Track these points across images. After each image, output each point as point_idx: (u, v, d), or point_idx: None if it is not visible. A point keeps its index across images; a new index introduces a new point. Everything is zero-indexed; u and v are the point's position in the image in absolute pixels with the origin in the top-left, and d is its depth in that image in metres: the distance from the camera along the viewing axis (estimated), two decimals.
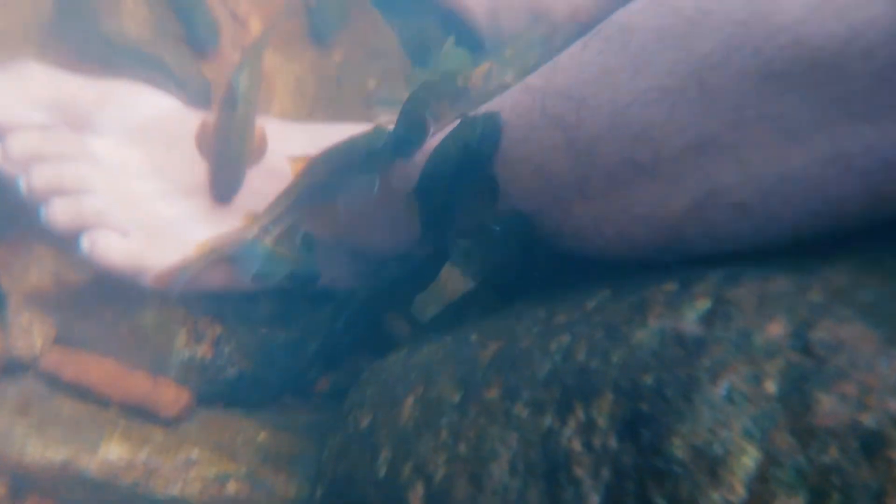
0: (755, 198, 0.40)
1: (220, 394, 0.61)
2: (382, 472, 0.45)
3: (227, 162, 0.59)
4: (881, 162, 0.37)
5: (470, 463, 0.41)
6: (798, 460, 0.30)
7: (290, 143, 0.59)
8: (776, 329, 0.34)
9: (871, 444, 0.29)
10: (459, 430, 0.42)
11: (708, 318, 0.37)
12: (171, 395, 0.59)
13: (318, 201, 0.57)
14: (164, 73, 0.63)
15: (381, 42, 0.74)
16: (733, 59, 0.39)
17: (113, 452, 0.56)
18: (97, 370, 0.59)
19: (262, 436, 0.59)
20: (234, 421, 0.60)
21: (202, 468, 0.56)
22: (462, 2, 0.82)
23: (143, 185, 0.59)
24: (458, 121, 0.51)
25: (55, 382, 0.59)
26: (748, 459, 0.31)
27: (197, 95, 0.63)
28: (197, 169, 0.60)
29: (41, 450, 0.55)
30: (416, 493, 0.42)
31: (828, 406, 0.31)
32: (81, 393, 0.59)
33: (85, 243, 0.57)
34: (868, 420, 0.30)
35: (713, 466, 0.32)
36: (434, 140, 0.52)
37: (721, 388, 0.34)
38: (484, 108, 0.50)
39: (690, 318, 0.37)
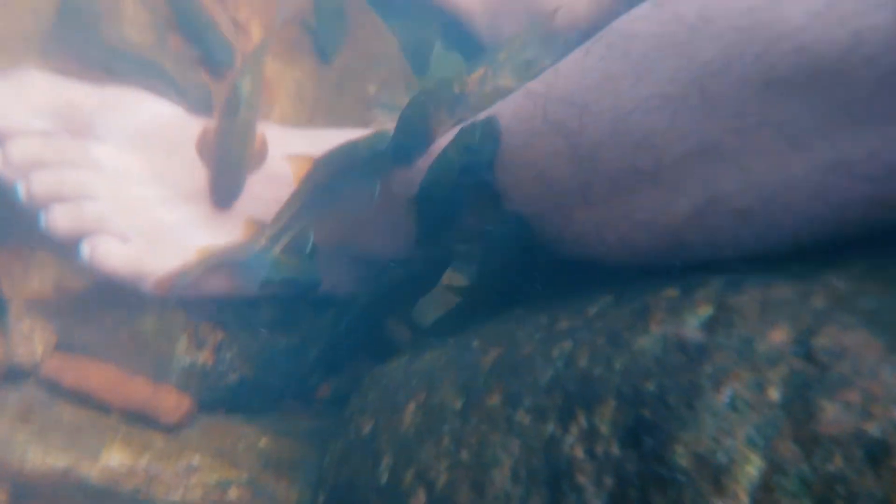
0: (756, 204, 0.40)
1: (222, 400, 0.61)
2: (384, 478, 0.45)
3: (227, 167, 0.59)
4: (884, 168, 0.37)
5: (472, 470, 0.41)
6: (802, 469, 0.30)
7: (291, 148, 0.59)
8: (779, 336, 0.34)
9: (875, 453, 0.29)
10: (461, 437, 0.42)
11: (710, 325, 0.37)
12: (172, 402, 0.59)
13: (322, 206, 0.57)
14: (165, 79, 0.63)
15: (382, 47, 0.74)
16: (734, 66, 0.39)
17: (114, 459, 0.56)
18: (98, 376, 0.59)
19: (264, 442, 0.59)
20: (236, 427, 0.60)
21: (203, 475, 0.56)
22: (461, 6, 0.82)
23: (144, 191, 0.59)
24: (458, 127, 0.51)
25: (56, 389, 0.59)
26: (752, 468, 0.31)
27: (198, 102, 0.63)
28: (197, 175, 0.60)
29: (42, 457, 0.55)
30: (418, 500, 0.42)
31: (832, 414, 0.31)
32: (82, 399, 0.58)
33: (85, 249, 0.57)
34: (873, 429, 0.29)
35: (716, 475, 0.32)
36: (436, 146, 0.52)
37: (724, 396, 0.34)
38: (485, 114, 0.50)
39: (692, 325, 0.37)
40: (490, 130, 0.49)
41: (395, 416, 0.47)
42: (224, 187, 0.59)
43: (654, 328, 0.38)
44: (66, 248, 0.57)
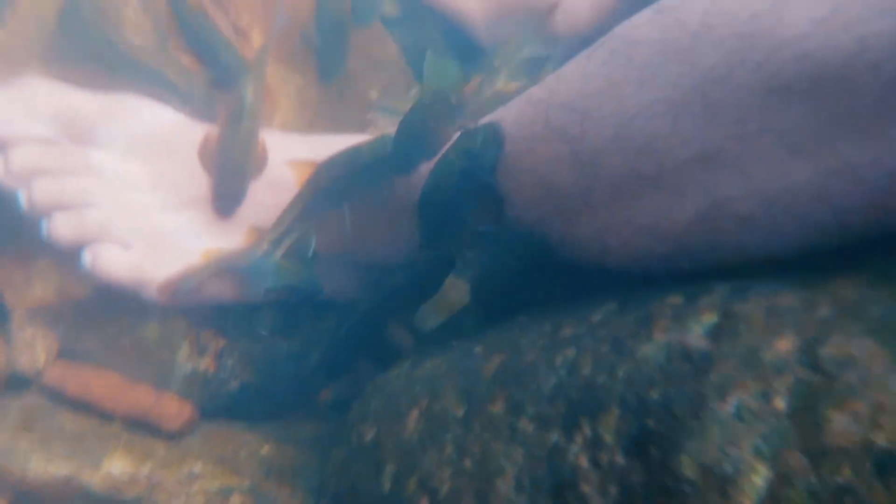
0: (759, 210, 0.40)
1: (223, 407, 0.61)
2: (387, 486, 0.45)
3: (230, 175, 0.58)
4: (888, 174, 0.36)
5: (475, 478, 0.41)
6: (810, 480, 0.30)
7: (292, 154, 0.59)
8: (784, 345, 0.34)
9: (884, 465, 0.29)
10: (464, 445, 0.42)
11: (715, 333, 0.36)
12: (173, 409, 0.59)
13: (324, 211, 0.57)
14: (167, 86, 0.62)
15: (383, 52, 0.74)
16: (737, 72, 0.39)
17: (116, 467, 0.56)
18: (100, 384, 0.59)
19: (266, 449, 0.59)
20: (237, 434, 0.60)
21: (205, 482, 0.56)
22: (462, 10, 0.82)
23: (146, 198, 0.59)
24: (459, 133, 0.51)
25: (58, 397, 0.59)
26: (758, 479, 0.31)
27: (199, 108, 0.62)
28: (199, 181, 0.59)
29: (44, 465, 0.55)
30: None
31: (839, 425, 0.30)
32: (84, 407, 0.58)
33: (87, 257, 0.56)
34: (881, 440, 0.29)
35: (723, 485, 0.32)
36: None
37: (730, 405, 0.33)
38: (486, 120, 0.50)
39: (697, 333, 0.37)
40: (492, 135, 0.48)
41: (398, 423, 0.47)
42: (226, 194, 0.59)
43: (658, 336, 0.38)
44: (67, 256, 0.57)
